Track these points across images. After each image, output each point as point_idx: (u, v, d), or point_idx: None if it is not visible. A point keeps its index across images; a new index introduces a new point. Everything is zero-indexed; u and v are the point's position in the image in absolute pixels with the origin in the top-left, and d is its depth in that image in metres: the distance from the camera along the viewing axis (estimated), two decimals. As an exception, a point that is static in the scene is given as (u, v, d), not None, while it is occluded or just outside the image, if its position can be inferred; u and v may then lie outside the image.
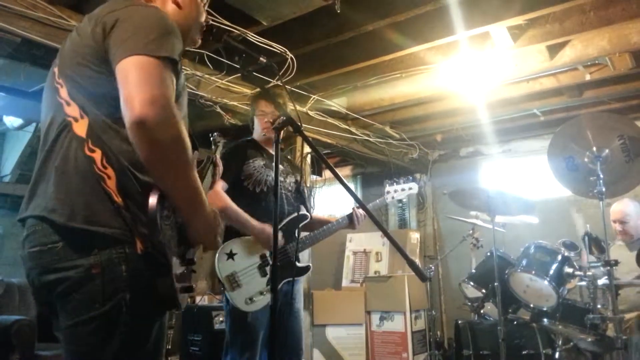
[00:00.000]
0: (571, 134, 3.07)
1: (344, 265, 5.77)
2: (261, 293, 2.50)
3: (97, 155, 1.23)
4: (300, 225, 2.65)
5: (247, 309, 2.49)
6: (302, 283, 2.81)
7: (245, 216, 2.50)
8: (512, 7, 2.97)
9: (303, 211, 2.70)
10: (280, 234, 2.48)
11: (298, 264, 2.60)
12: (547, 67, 3.70)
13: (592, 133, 2.96)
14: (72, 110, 1.28)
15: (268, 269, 2.54)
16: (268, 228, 2.46)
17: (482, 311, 3.68)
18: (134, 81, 1.16)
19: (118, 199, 1.22)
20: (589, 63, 3.71)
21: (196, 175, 1.27)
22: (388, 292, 4.94)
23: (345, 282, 5.64)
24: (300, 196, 2.82)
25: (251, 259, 2.55)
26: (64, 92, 1.30)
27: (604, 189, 2.82)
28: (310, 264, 2.71)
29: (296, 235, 2.60)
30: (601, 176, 2.83)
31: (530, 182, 5.28)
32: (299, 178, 2.81)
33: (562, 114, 4.75)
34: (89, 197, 1.22)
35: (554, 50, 3.58)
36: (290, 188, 2.73)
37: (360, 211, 2.75)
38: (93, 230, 1.20)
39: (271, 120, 2.29)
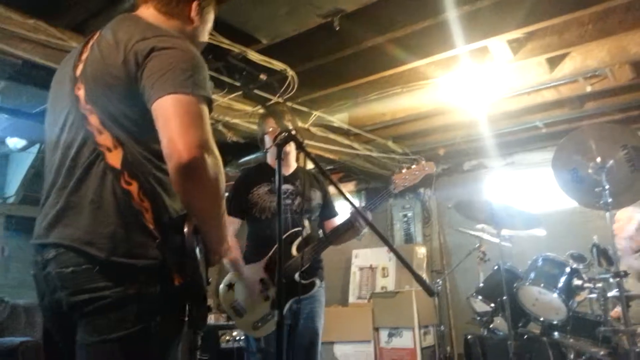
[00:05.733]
0: (574, 145, 3.05)
1: (350, 281, 5.73)
2: (266, 317, 2.49)
3: (134, 188, 1.24)
4: (296, 243, 2.53)
5: (256, 335, 2.50)
6: (319, 302, 2.65)
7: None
8: (510, 20, 2.98)
9: (301, 228, 2.59)
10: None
11: (303, 282, 2.50)
12: (548, 79, 3.70)
13: (595, 144, 2.94)
14: (105, 139, 1.26)
15: (270, 293, 2.51)
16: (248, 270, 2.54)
17: (491, 326, 3.62)
18: (175, 123, 1.16)
19: (156, 232, 1.23)
20: (589, 75, 3.72)
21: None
22: (396, 308, 4.89)
23: (352, 299, 5.60)
24: (312, 215, 2.70)
25: (251, 285, 2.53)
26: (94, 120, 1.27)
27: (610, 200, 2.78)
28: (316, 280, 2.58)
29: (297, 253, 2.52)
30: (607, 187, 2.80)
31: (534, 194, 5.25)
32: (316, 195, 2.73)
33: (564, 126, 4.74)
34: (128, 231, 1.22)
35: (553, 62, 3.59)
36: (296, 209, 2.63)
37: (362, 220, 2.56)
38: (132, 263, 1.21)
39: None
